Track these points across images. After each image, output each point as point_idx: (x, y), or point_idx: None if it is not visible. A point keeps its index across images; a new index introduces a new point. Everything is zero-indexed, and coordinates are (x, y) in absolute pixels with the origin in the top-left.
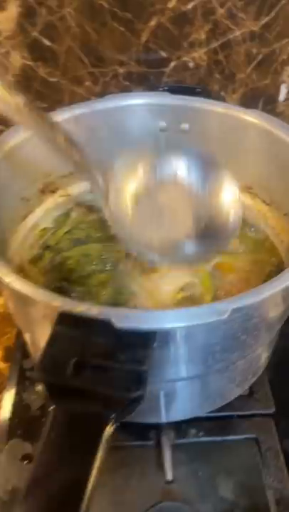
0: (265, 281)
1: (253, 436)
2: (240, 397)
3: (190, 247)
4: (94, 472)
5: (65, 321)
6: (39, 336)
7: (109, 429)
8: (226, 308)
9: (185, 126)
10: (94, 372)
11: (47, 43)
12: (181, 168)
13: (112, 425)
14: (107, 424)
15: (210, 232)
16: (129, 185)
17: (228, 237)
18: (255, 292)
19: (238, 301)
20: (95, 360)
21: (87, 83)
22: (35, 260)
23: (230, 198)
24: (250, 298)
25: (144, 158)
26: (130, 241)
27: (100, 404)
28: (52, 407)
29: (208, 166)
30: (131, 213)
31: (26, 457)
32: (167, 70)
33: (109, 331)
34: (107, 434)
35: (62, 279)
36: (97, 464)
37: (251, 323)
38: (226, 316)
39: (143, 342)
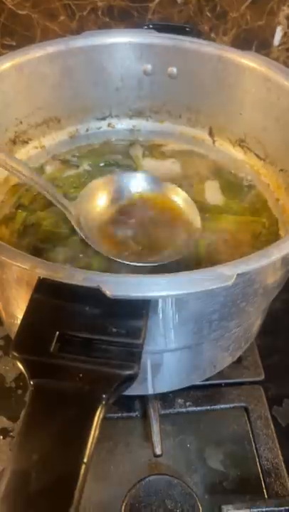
0: (254, 243)
1: (242, 404)
2: (228, 365)
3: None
4: (85, 466)
5: (47, 288)
6: (14, 306)
7: (100, 412)
8: (231, 273)
9: (173, 69)
10: (81, 348)
11: None
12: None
13: (104, 407)
14: (97, 407)
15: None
16: (94, 208)
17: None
18: (260, 256)
19: (243, 266)
20: (81, 334)
21: (62, 18)
22: (6, 221)
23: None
24: (256, 262)
25: (103, 185)
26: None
27: (89, 384)
28: (32, 384)
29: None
30: (99, 230)
31: (1, 432)
32: (152, 5)
33: (99, 299)
34: (98, 418)
35: (36, 241)
36: (88, 453)
37: (252, 289)
38: (231, 282)
39: (138, 312)
